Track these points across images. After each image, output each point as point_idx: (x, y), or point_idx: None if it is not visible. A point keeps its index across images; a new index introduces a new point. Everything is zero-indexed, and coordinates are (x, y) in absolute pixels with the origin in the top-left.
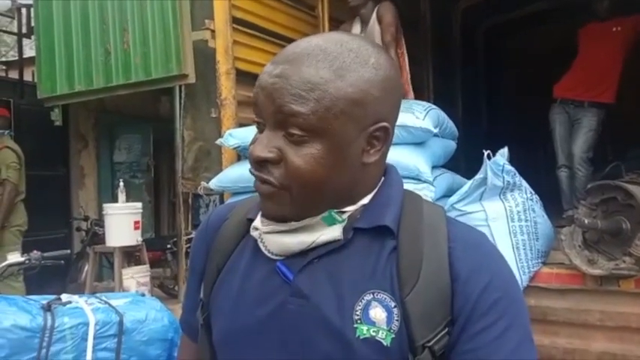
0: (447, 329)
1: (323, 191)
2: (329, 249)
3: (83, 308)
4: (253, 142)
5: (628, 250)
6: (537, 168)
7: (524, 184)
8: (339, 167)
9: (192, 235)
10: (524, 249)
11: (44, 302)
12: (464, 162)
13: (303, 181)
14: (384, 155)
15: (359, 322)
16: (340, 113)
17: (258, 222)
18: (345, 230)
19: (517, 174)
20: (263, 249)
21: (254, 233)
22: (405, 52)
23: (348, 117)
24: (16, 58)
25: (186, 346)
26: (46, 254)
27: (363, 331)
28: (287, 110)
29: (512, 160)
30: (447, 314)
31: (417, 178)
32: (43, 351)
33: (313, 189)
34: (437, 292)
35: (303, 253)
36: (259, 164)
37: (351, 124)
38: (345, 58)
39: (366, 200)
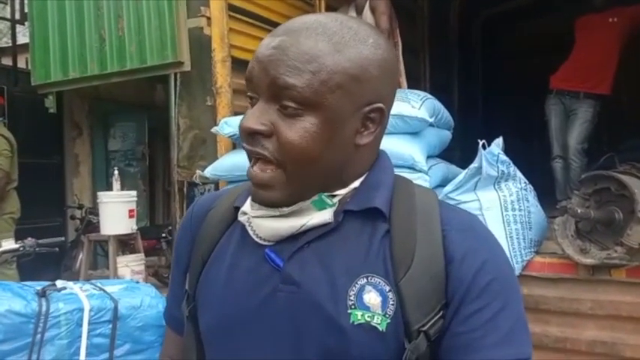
0: (441, 312)
1: (315, 169)
2: (319, 233)
3: (78, 294)
4: (244, 116)
5: (620, 240)
6: (532, 158)
7: (519, 174)
8: (332, 144)
9: None
10: (517, 238)
11: (39, 288)
12: (459, 152)
13: (296, 155)
14: (378, 139)
15: (353, 307)
16: (336, 87)
17: (247, 207)
18: (335, 213)
19: (512, 164)
20: (251, 233)
21: (242, 218)
22: (399, 42)
23: (344, 92)
24: (9, 44)
25: (170, 339)
26: (40, 241)
27: (358, 316)
28: (282, 82)
29: (507, 151)
30: (441, 298)
31: (412, 168)
32: (38, 336)
33: (306, 165)
34: (431, 276)
35: (293, 237)
36: (250, 137)
37: (346, 100)
38: (345, 35)
39: (356, 184)
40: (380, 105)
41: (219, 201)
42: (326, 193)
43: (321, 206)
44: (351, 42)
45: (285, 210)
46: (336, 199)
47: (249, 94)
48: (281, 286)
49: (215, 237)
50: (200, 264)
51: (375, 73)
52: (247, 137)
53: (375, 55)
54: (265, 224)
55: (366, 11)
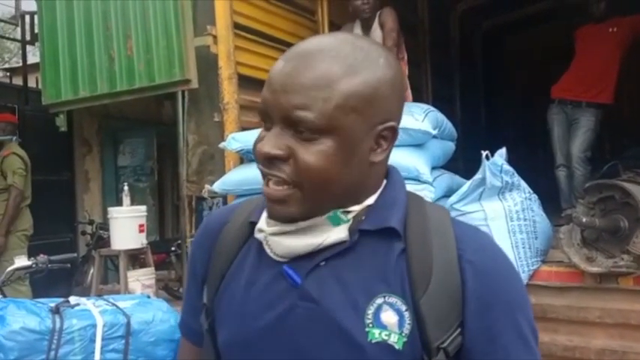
0: (459, 330)
1: (332, 189)
2: (336, 251)
3: (91, 310)
4: (260, 139)
5: (626, 248)
6: (536, 168)
7: (523, 183)
8: (348, 164)
9: None
10: (523, 248)
11: (52, 305)
12: (463, 163)
13: (314, 178)
14: (388, 155)
15: (371, 325)
16: (350, 110)
17: (262, 224)
18: (350, 232)
19: (515, 174)
20: (268, 251)
21: (259, 235)
22: (405, 57)
23: (359, 114)
24: (20, 64)
25: (185, 350)
26: (52, 258)
27: (375, 335)
28: (294, 116)
29: (510, 160)
30: (459, 315)
31: (417, 179)
32: (52, 353)
33: (324, 186)
34: (449, 295)
35: (310, 255)
36: (268, 161)
37: (360, 122)
38: (357, 56)
39: (370, 201)
40: (392, 124)
41: (234, 215)
42: (341, 210)
43: (336, 222)
44: (364, 63)
45: (301, 224)
46: (350, 216)
47: (262, 119)
48: (299, 302)
49: (232, 252)
50: (218, 278)
51: (387, 93)
52: (264, 161)
53: (386, 75)
54: (282, 242)
55: (375, 28)
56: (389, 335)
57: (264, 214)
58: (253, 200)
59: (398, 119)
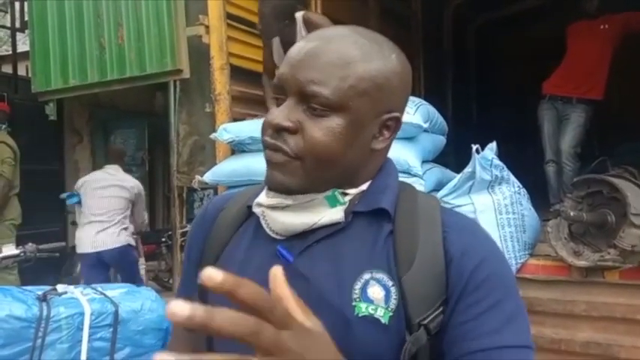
0: (441, 308)
1: (334, 167)
2: (329, 232)
3: (79, 298)
4: (270, 113)
5: (613, 242)
6: (525, 162)
7: (512, 177)
8: (352, 145)
9: (187, 229)
10: (511, 241)
11: (40, 292)
12: (454, 157)
13: (319, 152)
14: (389, 146)
15: (357, 300)
16: (363, 93)
17: (262, 197)
18: (345, 213)
19: (505, 168)
20: (265, 226)
21: (257, 210)
22: None
23: (369, 98)
24: (10, 52)
25: (178, 334)
26: (41, 247)
27: (362, 309)
28: (310, 89)
29: (500, 155)
30: (441, 294)
31: (407, 172)
32: (39, 341)
33: (326, 162)
34: (432, 274)
35: (303, 234)
36: (276, 132)
37: (370, 106)
38: (372, 47)
39: (364, 187)
40: (397, 114)
41: (232, 201)
42: (339, 190)
43: (333, 203)
44: (378, 55)
45: (299, 198)
46: (347, 198)
47: (275, 95)
48: (290, 280)
49: (227, 235)
50: (213, 260)
51: (396, 85)
52: (272, 132)
53: (397, 68)
54: (279, 219)
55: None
56: (375, 309)
57: (265, 189)
58: (251, 189)
59: (402, 111)
